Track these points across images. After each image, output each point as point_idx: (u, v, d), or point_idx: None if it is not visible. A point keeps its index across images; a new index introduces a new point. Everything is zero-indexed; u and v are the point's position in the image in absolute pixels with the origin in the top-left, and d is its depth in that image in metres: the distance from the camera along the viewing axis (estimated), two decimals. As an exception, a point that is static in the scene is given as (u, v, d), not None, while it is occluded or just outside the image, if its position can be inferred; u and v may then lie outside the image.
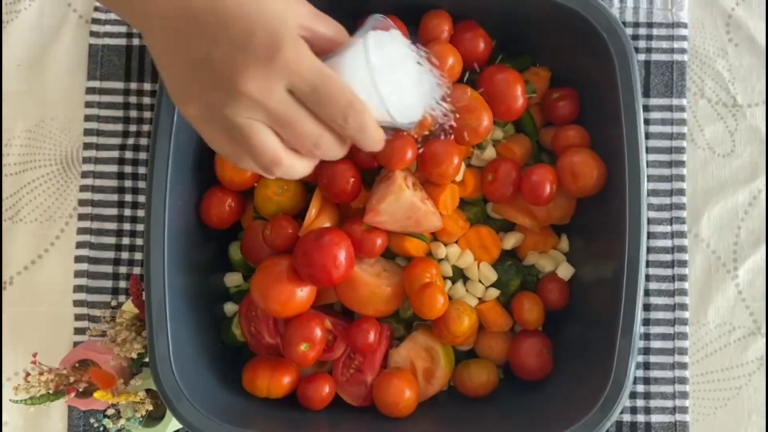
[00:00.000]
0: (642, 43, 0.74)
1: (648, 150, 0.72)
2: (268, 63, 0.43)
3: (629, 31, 0.73)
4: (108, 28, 0.74)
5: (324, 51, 0.47)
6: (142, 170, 0.73)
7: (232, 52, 0.43)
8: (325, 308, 0.68)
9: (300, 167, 0.48)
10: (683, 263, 0.73)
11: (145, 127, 0.74)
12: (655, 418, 0.72)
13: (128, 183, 0.73)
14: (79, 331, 0.73)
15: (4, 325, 0.73)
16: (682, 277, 0.73)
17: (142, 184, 0.73)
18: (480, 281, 0.67)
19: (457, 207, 0.67)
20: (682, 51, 0.74)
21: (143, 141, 0.74)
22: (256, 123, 0.45)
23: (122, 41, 0.74)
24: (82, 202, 0.73)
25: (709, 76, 0.75)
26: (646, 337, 0.72)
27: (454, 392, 0.70)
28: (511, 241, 0.68)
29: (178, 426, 0.69)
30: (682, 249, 0.73)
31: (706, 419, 0.73)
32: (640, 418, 0.72)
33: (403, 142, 0.62)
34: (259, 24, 0.43)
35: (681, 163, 0.73)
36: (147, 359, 0.64)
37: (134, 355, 0.66)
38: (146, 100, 0.74)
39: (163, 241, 0.60)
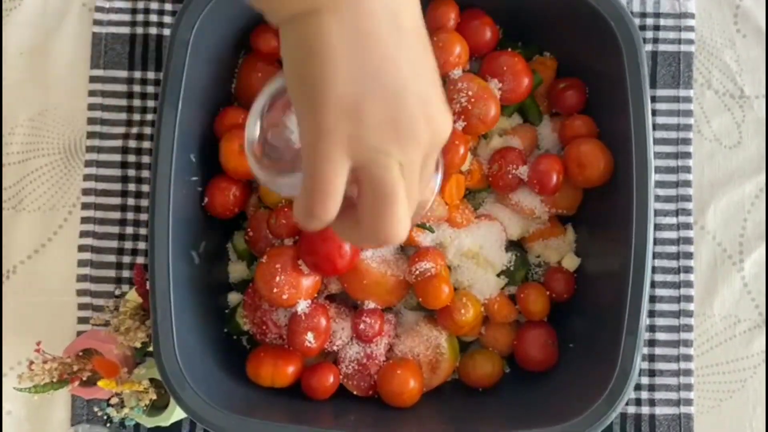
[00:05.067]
0: (649, 34, 0.73)
1: (654, 141, 0.72)
2: (443, 137, 0.40)
3: (636, 21, 0.73)
4: (112, 16, 0.74)
5: None
6: (145, 159, 0.73)
7: (430, 107, 0.39)
8: (329, 297, 0.68)
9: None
10: (689, 255, 0.72)
11: (149, 117, 0.73)
12: (659, 410, 0.72)
13: (132, 172, 0.73)
14: (82, 320, 0.72)
15: (8, 314, 0.73)
16: (688, 269, 0.72)
17: (145, 174, 0.73)
18: (485, 272, 0.67)
19: (463, 197, 0.67)
20: (690, 42, 0.73)
21: (147, 130, 0.73)
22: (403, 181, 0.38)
23: (126, 29, 0.74)
24: (85, 192, 0.73)
25: (716, 67, 0.75)
26: (651, 329, 0.72)
27: (459, 383, 0.70)
28: (516, 231, 0.68)
29: (183, 415, 0.69)
30: (687, 241, 0.72)
31: (711, 412, 0.73)
32: (645, 410, 0.72)
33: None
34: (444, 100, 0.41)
35: (687, 155, 0.73)
36: (151, 348, 0.64)
37: (138, 345, 0.66)
38: (150, 89, 0.73)
39: (167, 231, 0.60)
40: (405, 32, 0.37)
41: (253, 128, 0.47)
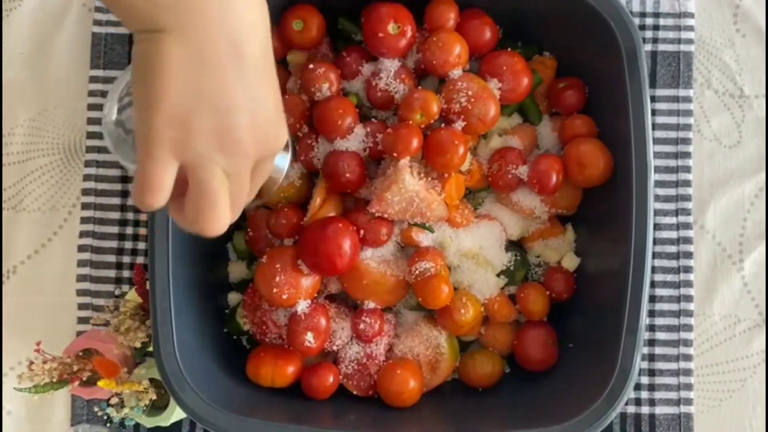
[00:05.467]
0: (648, 34, 0.73)
1: (654, 141, 0.72)
2: (274, 148, 0.47)
3: (636, 21, 0.73)
4: (111, 16, 0.74)
5: None
6: (145, 159, 0.73)
7: (258, 123, 0.44)
8: (329, 297, 0.68)
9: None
10: (689, 255, 0.72)
11: (149, 116, 0.73)
12: (659, 410, 0.72)
13: (131, 172, 0.73)
14: (82, 320, 0.72)
15: (8, 314, 0.73)
16: (688, 269, 0.72)
17: (145, 174, 0.73)
18: (485, 271, 0.67)
19: (462, 197, 0.67)
20: (689, 41, 0.73)
21: (147, 130, 0.73)
22: (226, 180, 0.45)
23: (126, 29, 0.74)
24: (85, 192, 0.73)
25: (716, 67, 0.75)
26: (651, 328, 0.72)
27: (459, 383, 0.70)
28: (516, 231, 0.68)
29: (182, 415, 0.68)
30: (687, 240, 0.72)
31: (711, 411, 0.73)
32: (645, 410, 0.72)
33: (409, 131, 0.62)
34: (282, 113, 0.47)
35: (687, 155, 0.73)
36: (150, 348, 0.64)
37: (138, 345, 0.66)
38: (150, 89, 0.73)
39: (167, 230, 0.60)
40: (244, 59, 0.43)
41: (110, 110, 0.52)
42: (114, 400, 0.67)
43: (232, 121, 0.43)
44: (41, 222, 0.74)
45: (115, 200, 0.73)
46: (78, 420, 0.72)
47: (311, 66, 0.65)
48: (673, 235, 0.72)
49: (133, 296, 0.69)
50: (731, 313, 0.73)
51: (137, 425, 0.71)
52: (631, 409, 0.72)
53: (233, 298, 0.71)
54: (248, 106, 0.43)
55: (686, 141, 0.73)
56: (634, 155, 0.60)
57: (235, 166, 0.44)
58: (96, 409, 0.70)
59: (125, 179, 0.73)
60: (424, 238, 0.65)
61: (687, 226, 0.72)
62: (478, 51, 0.66)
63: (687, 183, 0.73)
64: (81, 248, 0.73)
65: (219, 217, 0.44)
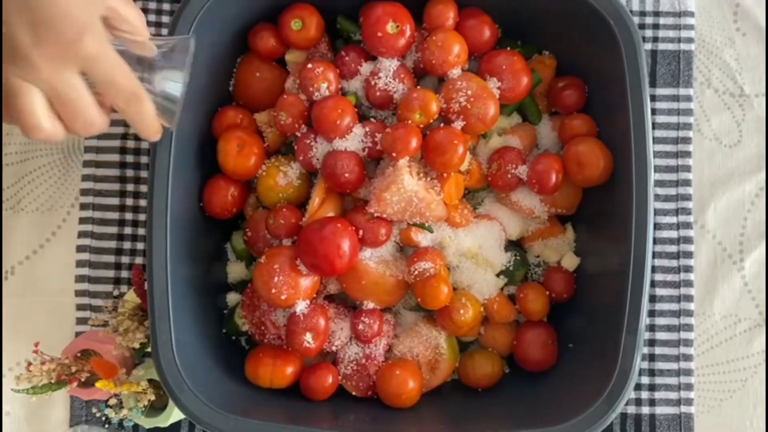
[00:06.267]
0: (648, 32, 0.73)
1: (654, 140, 0.72)
2: (67, 48, 0.46)
3: (635, 20, 0.73)
4: (109, 16, 0.74)
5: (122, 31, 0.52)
6: (144, 159, 0.73)
7: (36, 29, 0.45)
8: (328, 298, 0.68)
9: (60, 135, 0.49)
10: (689, 254, 0.72)
11: (147, 116, 0.73)
12: (659, 410, 0.71)
13: (130, 172, 0.73)
14: (80, 321, 0.72)
15: (6, 315, 0.73)
16: (688, 269, 0.72)
17: (144, 174, 0.73)
18: (485, 271, 0.67)
19: (462, 196, 0.66)
20: (689, 40, 0.73)
21: (145, 130, 0.73)
22: (30, 86, 0.46)
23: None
24: (83, 192, 0.73)
25: (716, 66, 0.74)
26: (651, 328, 0.72)
27: (458, 383, 0.69)
28: (516, 231, 0.68)
29: (181, 416, 0.68)
30: (687, 240, 0.72)
31: (712, 411, 0.73)
32: (645, 410, 0.71)
33: (408, 131, 0.62)
34: (68, 9, 0.45)
35: (687, 154, 0.73)
36: (149, 349, 0.64)
37: (136, 345, 0.66)
38: (148, 89, 0.73)
39: (166, 231, 0.60)
40: None
41: None
42: (112, 401, 0.67)
43: (9, 33, 0.44)
44: (40, 222, 0.74)
45: (114, 200, 0.73)
46: (77, 421, 0.72)
47: (310, 65, 0.64)
48: (673, 234, 0.72)
49: (131, 297, 0.69)
50: (731, 313, 0.73)
51: (136, 426, 0.71)
52: (632, 409, 0.72)
53: (232, 298, 0.70)
54: (16, 6, 0.44)
55: (686, 140, 0.73)
56: (634, 154, 0.60)
57: (33, 77, 0.45)
58: (94, 410, 0.70)
59: (123, 179, 0.73)
60: (423, 238, 0.65)
61: (687, 225, 0.72)
62: (478, 50, 0.66)
63: (687, 182, 0.72)
64: (79, 248, 0.73)
65: (32, 129, 0.47)
